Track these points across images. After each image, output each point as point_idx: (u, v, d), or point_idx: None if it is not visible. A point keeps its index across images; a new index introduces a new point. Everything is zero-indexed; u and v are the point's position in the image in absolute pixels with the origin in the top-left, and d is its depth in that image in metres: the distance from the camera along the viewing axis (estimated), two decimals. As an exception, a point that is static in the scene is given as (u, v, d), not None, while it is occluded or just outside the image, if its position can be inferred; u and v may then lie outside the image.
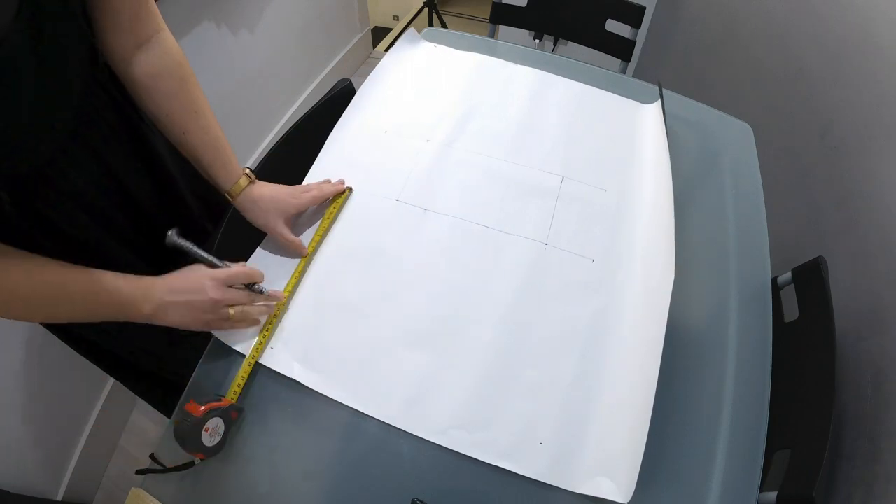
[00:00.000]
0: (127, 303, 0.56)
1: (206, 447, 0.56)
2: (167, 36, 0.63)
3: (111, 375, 0.87)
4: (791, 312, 0.77)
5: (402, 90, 0.95)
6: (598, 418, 0.60)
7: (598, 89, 0.98)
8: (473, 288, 0.70)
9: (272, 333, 0.65)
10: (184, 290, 0.59)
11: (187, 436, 0.54)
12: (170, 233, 0.67)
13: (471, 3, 2.72)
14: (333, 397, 0.61)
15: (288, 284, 0.69)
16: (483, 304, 0.69)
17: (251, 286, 0.64)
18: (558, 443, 0.59)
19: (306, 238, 0.74)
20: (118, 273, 0.57)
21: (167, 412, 0.96)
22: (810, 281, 0.76)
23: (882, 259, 0.83)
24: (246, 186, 0.69)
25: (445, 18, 2.43)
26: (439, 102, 0.93)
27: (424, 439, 0.59)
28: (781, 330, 0.73)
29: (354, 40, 2.19)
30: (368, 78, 0.96)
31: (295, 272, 0.70)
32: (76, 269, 0.54)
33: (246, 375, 0.62)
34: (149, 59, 0.61)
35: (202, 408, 0.56)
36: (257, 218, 0.70)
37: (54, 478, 1.19)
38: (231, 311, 0.61)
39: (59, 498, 1.18)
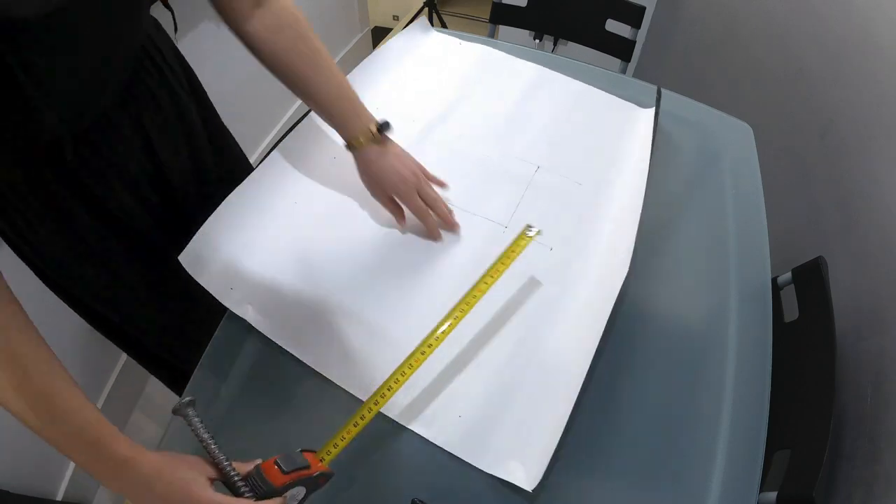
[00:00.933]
0: (104, 459, 0.44)
1: None
2: None
3: (125, 351, 0.90)
4: (791, 312, 0.77)
5: (399, 73, 0.96)
6: (522, 404, 0.61)
7: (595, 89, 0.97)
8: (426, 261, 0.71)
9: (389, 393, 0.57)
10: (166, 496, 0.44)
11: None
12: (181, 401, 0.48)
13: (471, 3, 2.72)
14: (278, 342, 0.63)
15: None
16: (431, 277, 0.70)
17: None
18: (477, 420, 0.59)
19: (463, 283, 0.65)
20: (114, 430, 0.45)
21: (178, 391, 0.97)
22: (810, 281, 0.76)
23: (882, 259, 0.83)
24: (366, 145, 0.70)
25: (445, 18, 2.42)
26: (435, 87, 0.94)
27: (425, 439, 0.59)
28: (781, 330, 0.73)
29: (354, 40, 2.19)
30: (368, 58, 0.96)
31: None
32: (73, 391, 0.45)
33: (349, 438, 0.52)
34: (266, 16, 0.64)
35: (285, 476, 0.44)
36: (363, 181, 0.73)
37: (54, 478, 1.19)
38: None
39: (59, 498, 1.18)
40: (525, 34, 1.50)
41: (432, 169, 0.79)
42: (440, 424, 0.59)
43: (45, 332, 1.11)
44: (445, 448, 0.58)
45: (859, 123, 0.95)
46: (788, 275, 0.80)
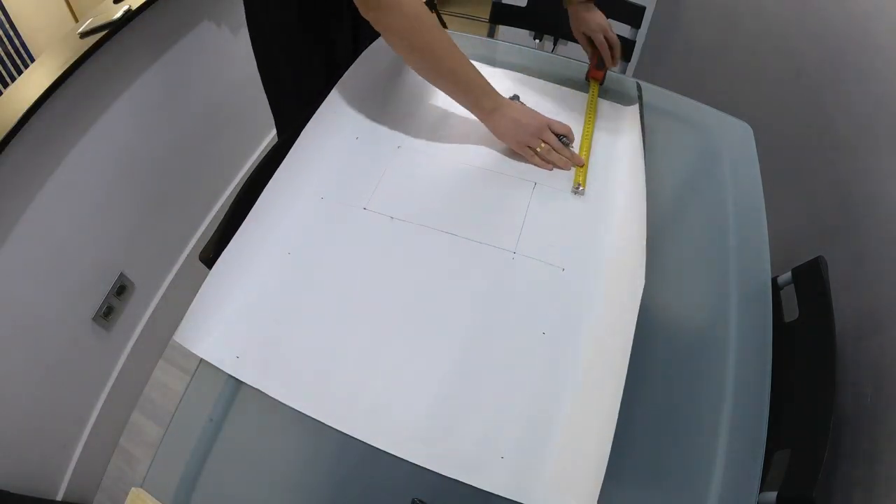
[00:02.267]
0: (488, 95, 0.80)
1: None
2: None
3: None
4: (791, 312, 0.77)
5: (375, 93, 0.93)
6: (562, 433, 0.59)
7: (575, 91, 0.97)
8: (439, 297, 0.69)
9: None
10: (522, 114, 0.81)
11: None
12: None
13: (471, 3, 2.72)
14: (295, 407, 0.60)
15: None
16: (448, 314, 0.67)
17: (562, 138, 0.82)
18: (520, 457, 0.57)
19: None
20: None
21: None
22: (810, 281, 0.76)
23: (882, 259, 0.83)
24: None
25: (445, 18, 2.42)
26: (412, 107, 0.92)
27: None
28: (781, 330, 0.73)
29: (354, 40, 2.18)
30: (340, 81, 0.94)
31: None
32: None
33: None
34: None
35: None
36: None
37: (54, 478, 1.19)
38: (541, 146, 0.81)
39: (59, 498, 1.18)
40: (525, 34, 1.50)
41: (427, 199, 0.78)
42: (485, 469, 0.56)
43: (46, 332, 1.12)
44: (495, 493, 0.55)
45: (859, 123, 0.95)
46: (788, 275, 0.80)
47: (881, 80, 0.90)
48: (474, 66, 0.79)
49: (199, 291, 0.68)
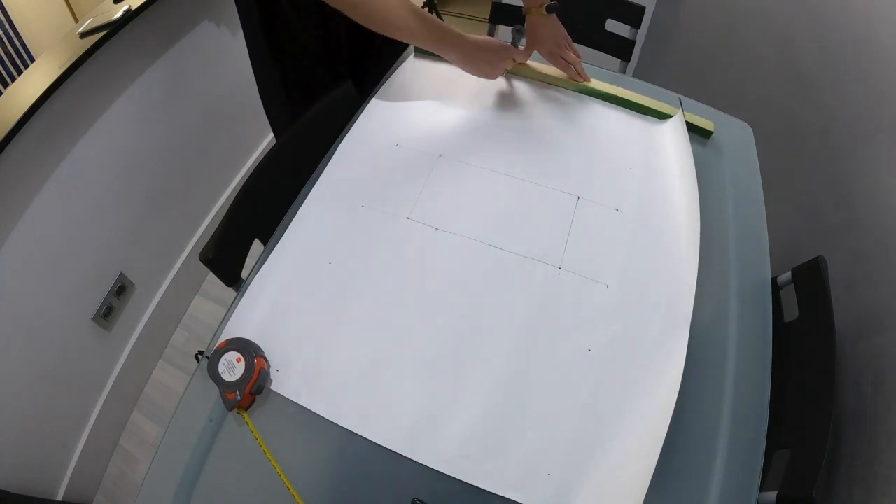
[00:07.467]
0: (446, 37, 0.84)
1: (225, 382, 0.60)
2: None
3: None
4: (791, 312, 0.77)
5: (415, 102, 0.92)
6: (609, 451, 0.58)
7: (615, 108, 0.95)
8: (484, 313, 0.68)
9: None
10: (483, 46, 0.88)
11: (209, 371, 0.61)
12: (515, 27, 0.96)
13: (471, 3, 2.72)
14: (339, 423, 0.60)
15: None
16: (494, 330, 0.67)
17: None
18: (567, 474, 0.57)
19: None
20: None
21: None
22: (810, 281, 0.76)
23: (882, 259, 0.83)
24: (535, 15, 0.95)
25: (445, 18, 2.42)
26: (453, 116, 0.90)
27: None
28: (781, 330, 0.73)
29: (354, 40, 2.18)
30: (381, 89, 0.95)
31: None
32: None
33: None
34: None
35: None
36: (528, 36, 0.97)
37: (54, 478, 1.19)
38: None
39: (59, 498, 1.18)
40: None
41: (472, 210, 0.77)
42: (532, 487, 0.56)
43: (46, 332, 1.11)
44: None
45: (859, 123, 0.95)
46: (788, 275, 0.80)
47: (881, 80, 0.90)
48: (430, 18, 0.82)
49: (241, 301, 0.68)
